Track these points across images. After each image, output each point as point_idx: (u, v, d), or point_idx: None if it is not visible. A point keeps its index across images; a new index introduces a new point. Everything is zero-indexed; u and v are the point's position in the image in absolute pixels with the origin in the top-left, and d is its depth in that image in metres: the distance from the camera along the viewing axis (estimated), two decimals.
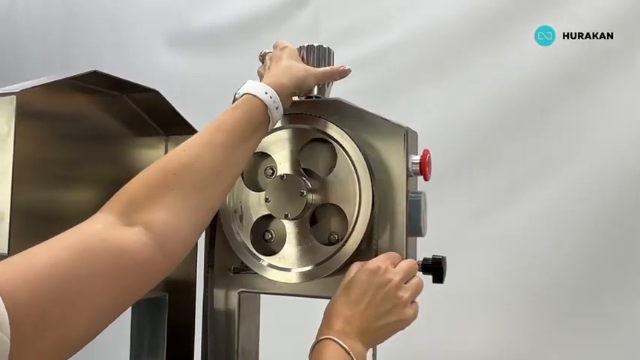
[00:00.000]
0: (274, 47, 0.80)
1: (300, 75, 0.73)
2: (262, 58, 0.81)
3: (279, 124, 0.79)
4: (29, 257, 0.44)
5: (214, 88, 1.39)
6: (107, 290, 0.48)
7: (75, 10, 2.03)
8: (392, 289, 0.67)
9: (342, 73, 0.80)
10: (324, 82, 0.80)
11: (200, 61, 1.74)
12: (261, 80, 0.73)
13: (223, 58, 1.68)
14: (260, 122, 0.67)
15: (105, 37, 1.94)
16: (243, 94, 0.67)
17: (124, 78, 0.80)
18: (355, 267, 0.70)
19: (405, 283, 0.68)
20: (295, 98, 0.81)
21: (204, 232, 0.82)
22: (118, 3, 1.94)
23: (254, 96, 0.66)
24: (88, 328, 0.46)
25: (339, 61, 1.39)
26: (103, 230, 0.50)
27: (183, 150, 0.59)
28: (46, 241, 0.46)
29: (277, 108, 0.68)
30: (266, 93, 0.67)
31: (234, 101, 0.67)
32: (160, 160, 0.58)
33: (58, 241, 0.47)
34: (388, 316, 0.67)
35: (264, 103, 0.66)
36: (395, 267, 0.69)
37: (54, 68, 1.96)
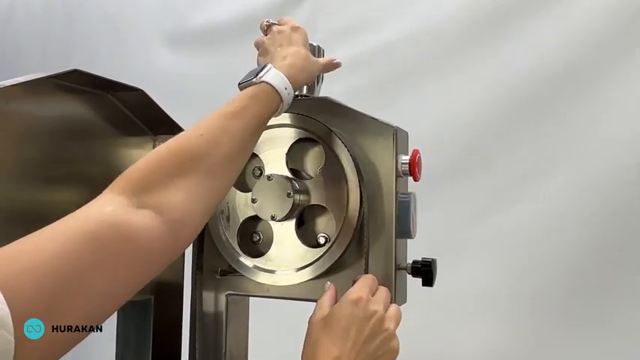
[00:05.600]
0: (281, 22, 0.77)
1: (314, 72, 0.73)
2: (266, 29, 0.78)
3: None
4: (32, 247, 0.42)
5: (212, 87, 1.39)
6: (115, 278, 0.46)
7: (74, 10, 2.03)
8: (378, 321, 0.62)
9: (336, 65, 0.79)
10: (324, 72, 0.79)
11: (198, 59, 1.74)
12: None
13: (221, 57, 1.68)
14: (273, 111, 0.65)
15: (104, 37, 1.94)
16: (264, 82, 0.64)
17: (118, 78, 0.79)
18: (327, 299, 0.65)
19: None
20: None
21: None
22: (117, 2, 1.93)
23: (275, 89, 0.64)
24: (94, 316, 0.44)
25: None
26: (111, 214, 0.47)
27: (201, 134, 0.57)
28: (48, 227, 0.43)
29: (288, 104, 0.67)
30: (286, 89, 0.65)
31: (248, 81, 0.64)
32: (174, 142, 0.56)
33: (63, 229, 0.44)
34: (378, 350, 0.61)
35: (282, 100, 0.65)
36: (374, 295, 0.64)
37: (53, 68, 1.96)
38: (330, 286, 0.68)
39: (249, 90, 0.63)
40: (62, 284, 0.41)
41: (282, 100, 0.65)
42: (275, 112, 0.66)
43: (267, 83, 0.64)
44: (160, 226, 0.50)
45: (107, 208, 0.48)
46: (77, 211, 0.46)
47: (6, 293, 0.37)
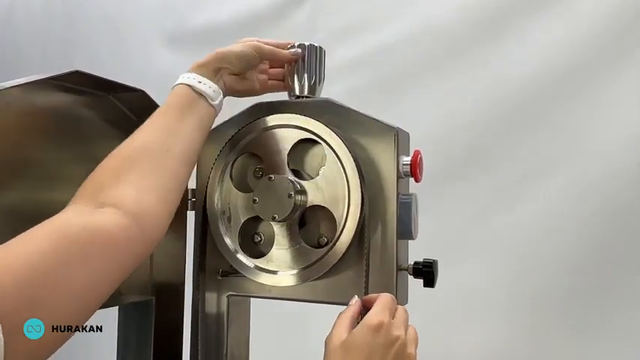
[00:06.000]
0: None
1: (221, 49, 0.76)
2: None
3: (268, 124, 0.77)
4: (10, 250, 0.45)
5: None
6: (92, 272, 0.49)
7: (74, 10, 2.02)
8: (401, 346, 0.58)
9: (292, 55, 0.79)
10: (268, 55, 0.78)
11: (198, 59, 1.73)
12: None
13: None
14: (191, 99, 0.71)
15: (104, 37, 1.94)
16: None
17: (118, 78, 0.78)
18: (347, 319, 0.61)
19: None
20: (286, 98, 0.81)
21: (194, 235, 0.81)
22: (117, 2, 1.93)
23: (177, 84, 0.72)
24: (77, 311, 0.47)
25: (338, 60, 1.39)
26: (76, 217, 0.52)
27: (131, 137, 0.64)
28: (21, 235, 0.47)
29: (200, 82, 0.71)
30: (184, 76, 0.72)
31: None
32: (113, 151, 0.62)
33: (34, 233, 0.48)
34: None
35: (185, 83, 0.71)
36: (394, 317, 0.60)
37: (53, 69, 1.96)
38: (356, 302, 0.64)
39: None
40: (41, 279, 0.44)
41: (186, 84, 0.71)
42: (193, 99, 0.70)
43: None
44: (121, 220, 0.54)
45: (70, 214, 0.53)
46: (45, 221, 0.50)
47: None
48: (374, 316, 0.59)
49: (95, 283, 0.50)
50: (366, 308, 0.62)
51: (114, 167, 0.60)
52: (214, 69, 0.74)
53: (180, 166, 0.66)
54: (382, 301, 0.61)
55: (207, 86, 0.72)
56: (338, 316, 0.62)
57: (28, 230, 0.48)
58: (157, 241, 0.59)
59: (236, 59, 0.76)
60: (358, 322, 0.60)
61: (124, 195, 0.56)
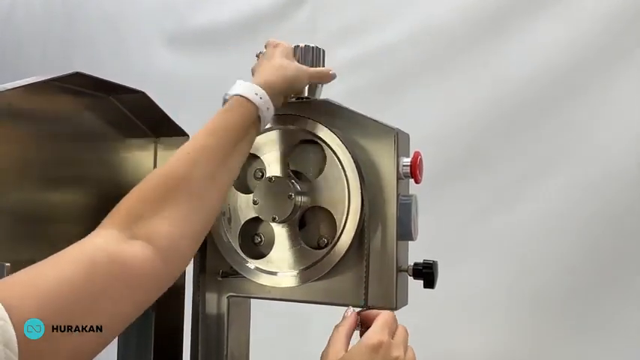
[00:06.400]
0: (267, 46, 0.78)
1: (291, 74, 0.71)
2: (258, 57, 0.79)
3: (268, 125, 0.77)
4: (36, 273, 0.45)
5: (213, 88, 1.38)
6: (113, 303, 0.48)
7: (74, 10, 2.03)
8: None
9: (333, 77, 0.78)
10: (318, 81, 0.77)
11: (199, 60, 1.73)
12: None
13: (222, 58, 1.68)
14: (251, 124, 0.66)
15: (104, 37, 1.94)
16: (234, 95, 0.65)
17: (118, 78, 0.78)
18: (343, 333, 0.60)
19: None
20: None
21: None
22: (117, 2, 1.93)
23: (244, 97, 0.65)
24: (95, 341, 0.46)
25: (338, 60, 1.39)
26: (106, 245, 0.51)
27: (177, 160, 0.59)
28: (51, 257, 0.47)
29: (268, 108, 0.67)
30: (256, 94, 0.65)
31: (224, 102, 0.66)
32: (156, 171, 0.59)
33: (63, 256, 0.47)
34: None
35: (255, 105, 0.65)
36: (394, 337, 0.59)
37: (53, 69, 1.96)
38: (351, 315, 0.63)
39: (223, 107, 0.65)
40: (64, 307, 0.44)
41: (256, 107, 0.65)
42: (253, 122, 0.66)
43: (236, 95, 0.65)
44: (150, 255, 0.52)
45: (100, 240, 0.51)
46: (75, 244, 0.49)
47: (12, 314, 0.39)
48: (373, 334, 0.57)
49: (115, 317, 0.49)
50: (365, 325, 0.61)
51: (153, 195, 0.56)
52: (281, 92, 0.70)
53: (219, 198, 0.63)
54: (383, 319, 0.60)
55: (270, 113, 0.67)
56: (334, 330, 0.61)
57: (62, 251, 0.47)
58: (177, 276, 0.58)
59: (298, 88, 0.73)
60: (361, 330, 0.60)
61: (160, 230, 0.54)
